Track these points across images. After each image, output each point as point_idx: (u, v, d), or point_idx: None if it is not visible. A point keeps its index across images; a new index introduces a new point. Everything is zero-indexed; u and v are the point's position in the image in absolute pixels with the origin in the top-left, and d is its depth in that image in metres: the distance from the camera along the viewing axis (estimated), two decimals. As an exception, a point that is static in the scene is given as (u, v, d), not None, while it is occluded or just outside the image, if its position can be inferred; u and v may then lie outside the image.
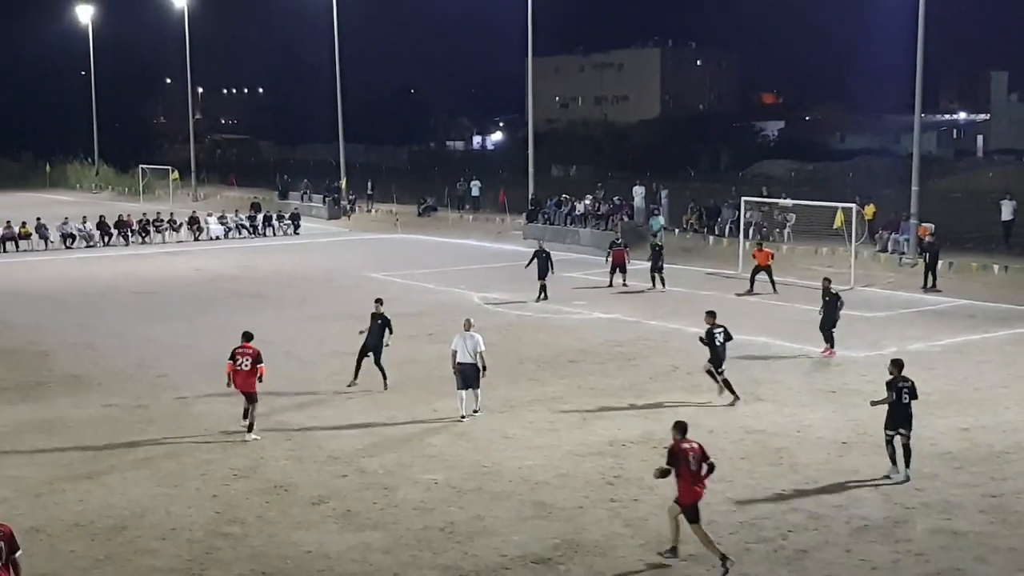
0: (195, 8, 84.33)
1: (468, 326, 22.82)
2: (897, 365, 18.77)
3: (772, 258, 38.35)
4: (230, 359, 21.36)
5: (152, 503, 17.65)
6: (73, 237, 54.31)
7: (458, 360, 22.32)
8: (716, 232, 50.43)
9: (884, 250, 44.30)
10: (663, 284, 38.83)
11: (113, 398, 24.20)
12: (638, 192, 55.57)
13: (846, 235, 41.71)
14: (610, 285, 39.37)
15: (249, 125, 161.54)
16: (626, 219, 52.34)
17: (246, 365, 21.09)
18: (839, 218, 42.34)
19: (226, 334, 31.11)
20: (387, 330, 24.77)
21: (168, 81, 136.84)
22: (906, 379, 18.61)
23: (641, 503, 17.50)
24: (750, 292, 37.55)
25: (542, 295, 36.75)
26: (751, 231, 46.30)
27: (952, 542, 15.97)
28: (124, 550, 15.83)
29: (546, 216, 56.07)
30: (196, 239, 57.03)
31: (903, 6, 45.09)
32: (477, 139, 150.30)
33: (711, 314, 24.32)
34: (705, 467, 15.33)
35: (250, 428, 21.15)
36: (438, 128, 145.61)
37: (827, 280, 29.06)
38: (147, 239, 56.12)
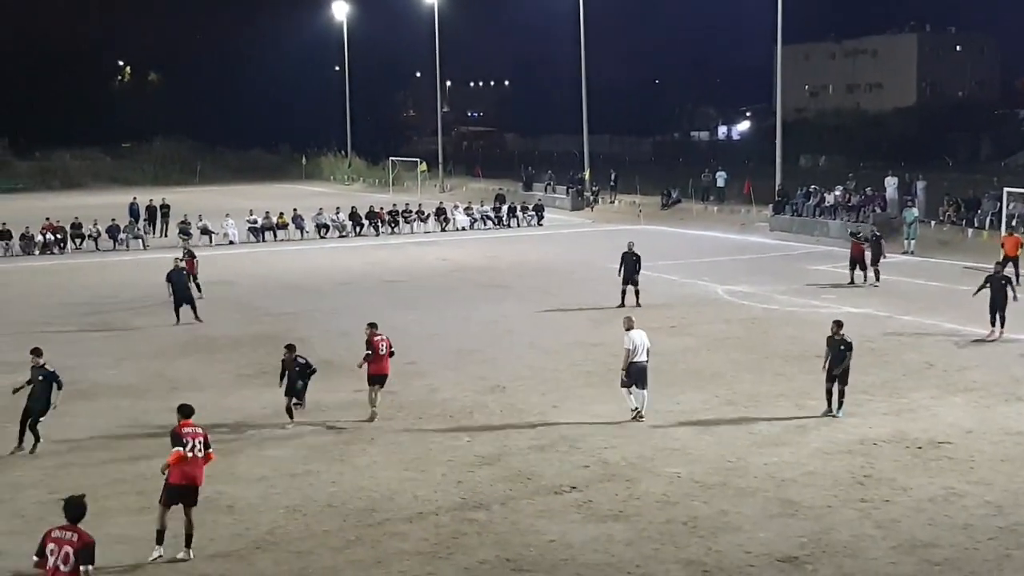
0: (444, 3, 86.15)
1: (632, 324, 21.83)
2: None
3: (1022, 246, 36.59)
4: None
5: (400, 487, 18.07)
6: (327, 227, 56.25)
7: (633, 359, 21.34)
8: (975, 224, 48.30)
9: None
10: (877, 278, 37.33)
11: (363, 383, 24.79)
12: (890, 183, 53.70)
13: (1118, 228, 39.31)
14: (851, 282, 37.54)
15: (495, 117, 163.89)
16: (878, 211, 50.72)
17: (383, 350, 22.30)
18: (1110, 210, 39.96)
19: (471, 324, 31.74)
20: (54, 386, 20.07)
21: (417, 75, 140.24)
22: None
23: (893, 504, 16.89)
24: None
25: (635, 300, 33.25)
26: (1014, 223, 44.14)
27: None
28: (374, 532, 16.24)
29: (794, 207, 54.88)
30: (443, 230, 58.24)
31: None
32: (723, 129, 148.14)
33: None
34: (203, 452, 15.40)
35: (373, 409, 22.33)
36: (682, 118, 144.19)
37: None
38: (396, 230, 57.61)
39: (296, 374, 21.59)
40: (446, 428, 21.41)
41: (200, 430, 15.51)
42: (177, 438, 15.27)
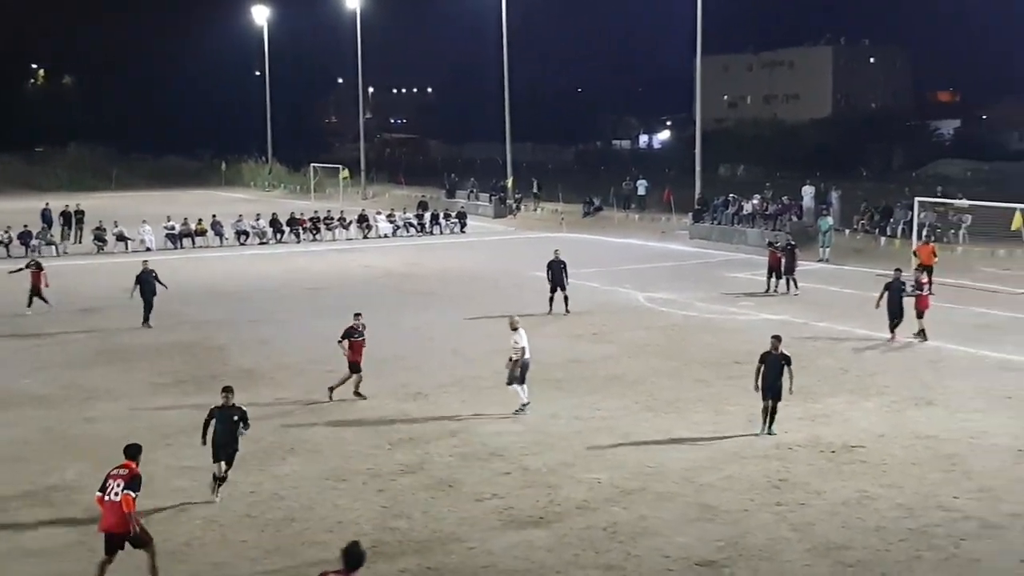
0: (367, 10, 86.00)
1: (517, 324, 23.12)
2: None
3: (935, 255, 37.39)
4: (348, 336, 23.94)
5: (320, 496, 18.00)
6: (247, 234, 55.78)
7: (527, 356, 22.75)
8: (888, 233, 49.26)
9: (1065, 252, 42.64)
10: (795, 286, 37.83)
11: (283, 392, 24.73)
12: (807, 192, 54.66)
13: (1025, 237, 40.28)
14: (767, 290, 38.04)
15: (418, 124, 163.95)
16: (795, 219, 51.47)
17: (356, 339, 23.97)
18: (1017, 220, 40.87)
19: (394, 332, 31.66)
20: None
21: (340, 81, 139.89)
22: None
23: (808, 507, 17.17)
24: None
25: (564, 307, 33.91)
26: (924, 232, 45.05)
27: None
28: (293, 542, 16.16)
29: (713, 216, 55.53)
30: (365, 237, 58.04)
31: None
32: (644, 138, 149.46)
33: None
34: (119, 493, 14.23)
35: (333, 389, 23.92)
36: (605, 127, 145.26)
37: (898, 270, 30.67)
38: (318, 236, 57.31)
39: (229, 428, 17.83)
40: (367, 436, 21.35)
41: (126, 472, 14.37)
42: (103, 481, 14.47)
